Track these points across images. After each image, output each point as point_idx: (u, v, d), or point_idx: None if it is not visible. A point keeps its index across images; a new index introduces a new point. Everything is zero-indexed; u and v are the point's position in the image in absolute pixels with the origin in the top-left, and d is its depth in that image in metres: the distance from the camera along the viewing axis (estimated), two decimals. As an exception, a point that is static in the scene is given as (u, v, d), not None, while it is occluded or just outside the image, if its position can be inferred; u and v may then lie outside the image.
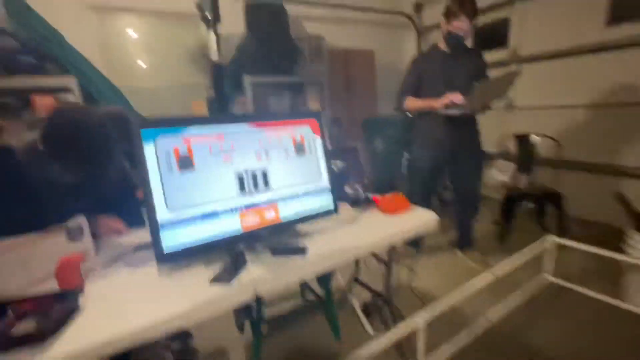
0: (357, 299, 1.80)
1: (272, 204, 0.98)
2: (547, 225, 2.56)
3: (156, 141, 0.80)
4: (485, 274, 1.56)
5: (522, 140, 2.70)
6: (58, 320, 0.66)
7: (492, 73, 2.05)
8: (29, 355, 0.60)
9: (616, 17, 2.43)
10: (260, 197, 0.96)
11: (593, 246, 1.77)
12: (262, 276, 0.84)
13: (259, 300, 0.84)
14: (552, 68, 2.86)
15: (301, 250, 0.92)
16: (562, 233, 2.13)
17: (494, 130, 2.83)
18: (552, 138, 2.66)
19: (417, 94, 2.03)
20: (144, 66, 2.85)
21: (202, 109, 2.73)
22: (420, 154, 2.15)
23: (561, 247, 1.90)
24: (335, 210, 1.12)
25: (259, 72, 2.81)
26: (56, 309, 0.69)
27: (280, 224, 0.99)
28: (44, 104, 2.03)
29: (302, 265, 0.91)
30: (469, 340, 1.50)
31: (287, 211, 1.01)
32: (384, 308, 1.67)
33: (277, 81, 2.97)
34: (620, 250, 1.67)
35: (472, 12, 1.82)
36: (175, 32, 2.89)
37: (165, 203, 0.80)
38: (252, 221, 0.93)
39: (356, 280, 1.79)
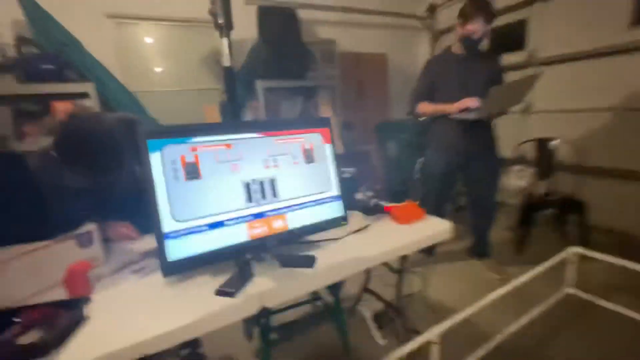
0: (368, 308, 1.76)
1: (280, 213, 0.96)
2: (567, 234, 2.46)
3: (163, 150, 0.79)
4: (504, 285, 1.50)
5: (541, 144, 2.61)
6: (63, 330, 0.66)
7: (509, 76, 1.99)
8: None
9: (641, 17, 2.33)
10: (268, 207, 0.94)
11: (618, 257, 1.68)
12: (269, 288, 0.82)
13: (266, 310, 0.82)
14: (572, 71, 2.76)
15: (310, 261, 0.90)
16: (583, 242, 2.03)
17: (511, 134, 2.75)
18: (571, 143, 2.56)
19: (431, 98, 1.99)
20: (159, 71, 2.91)
21: (214, 114, 2.76)
22: (434, 158, 2.11)
23: (584, 258, 1.81)
24: (345, 219, 1.09)
25: (271, 76, 2.82)
26: (62, 319, 0.69)
27: (288, 234, 0.97)
28: (63, 109, 2.08)
29: (310, 277, 0.88)
30: (485, 354, 1.44)
31: (296, 221, 0.98)
32: (395, 318, 1.63)
33: (289, 85, 2.97)
34: (647, 263, 1.58)
35: (489, 14, 1.77)
36: (189, 39, 2.94)
37: (171, 213, 0.79)
38: (260, 231, 0.92)
39: (366, 289, 1.75)
